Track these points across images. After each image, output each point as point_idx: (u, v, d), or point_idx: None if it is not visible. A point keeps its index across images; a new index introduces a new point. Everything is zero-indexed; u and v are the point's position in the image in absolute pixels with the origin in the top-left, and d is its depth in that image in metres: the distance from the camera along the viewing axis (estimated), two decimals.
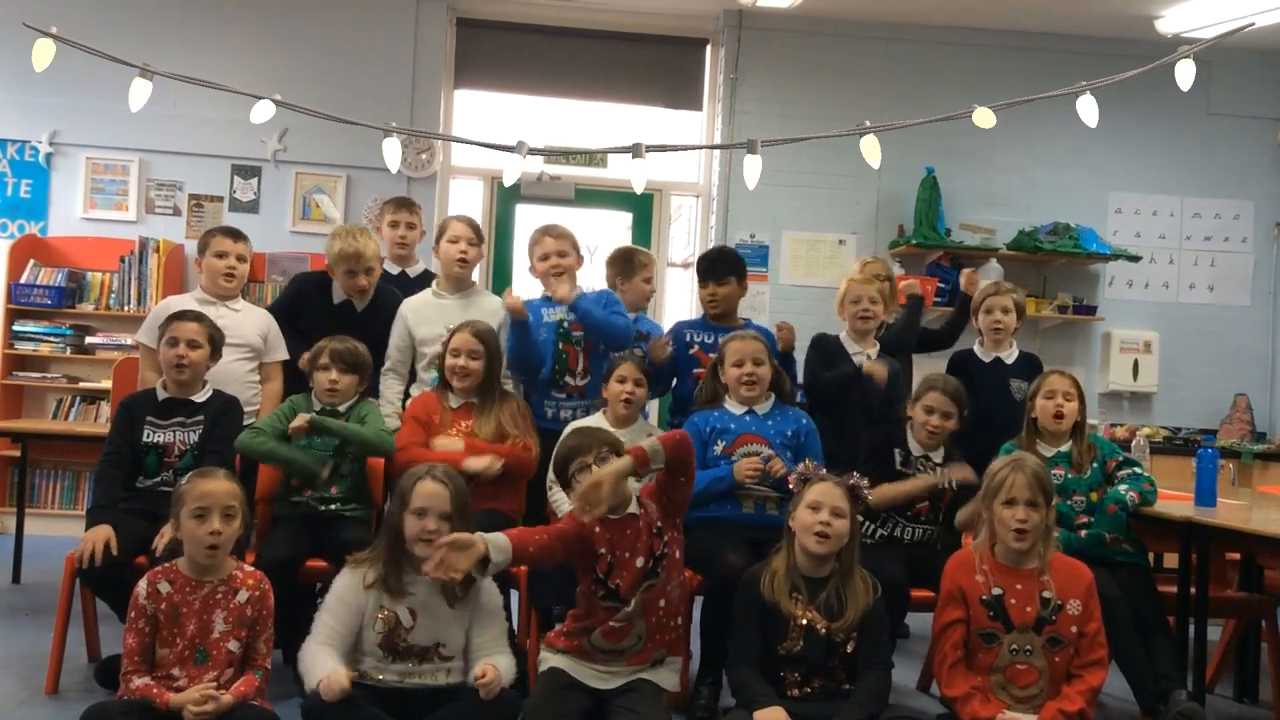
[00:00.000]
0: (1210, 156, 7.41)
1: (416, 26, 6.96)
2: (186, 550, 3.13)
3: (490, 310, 4.42)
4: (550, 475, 4.02)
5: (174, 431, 3.85)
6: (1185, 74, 3.88)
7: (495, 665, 3.08)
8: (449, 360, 4.00)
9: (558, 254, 4.42)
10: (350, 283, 4.46)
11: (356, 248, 4.37)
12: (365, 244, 4.41)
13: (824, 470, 3.48)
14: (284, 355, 4.43)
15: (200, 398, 3.92)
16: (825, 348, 4.60)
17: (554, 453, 3.52)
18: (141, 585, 3.11)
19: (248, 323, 4.37)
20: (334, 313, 4.51)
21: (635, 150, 3.99)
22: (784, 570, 3.31)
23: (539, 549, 3.18)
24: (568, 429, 3.81)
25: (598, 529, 3.26)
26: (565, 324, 4.37)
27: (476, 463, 3.82)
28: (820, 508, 3.29)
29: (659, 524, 3.33)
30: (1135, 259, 7.22)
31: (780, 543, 3.39)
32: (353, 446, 3.88)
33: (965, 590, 3.29)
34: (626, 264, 4.83)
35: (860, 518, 3.81)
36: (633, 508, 3.34)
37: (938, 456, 4.03)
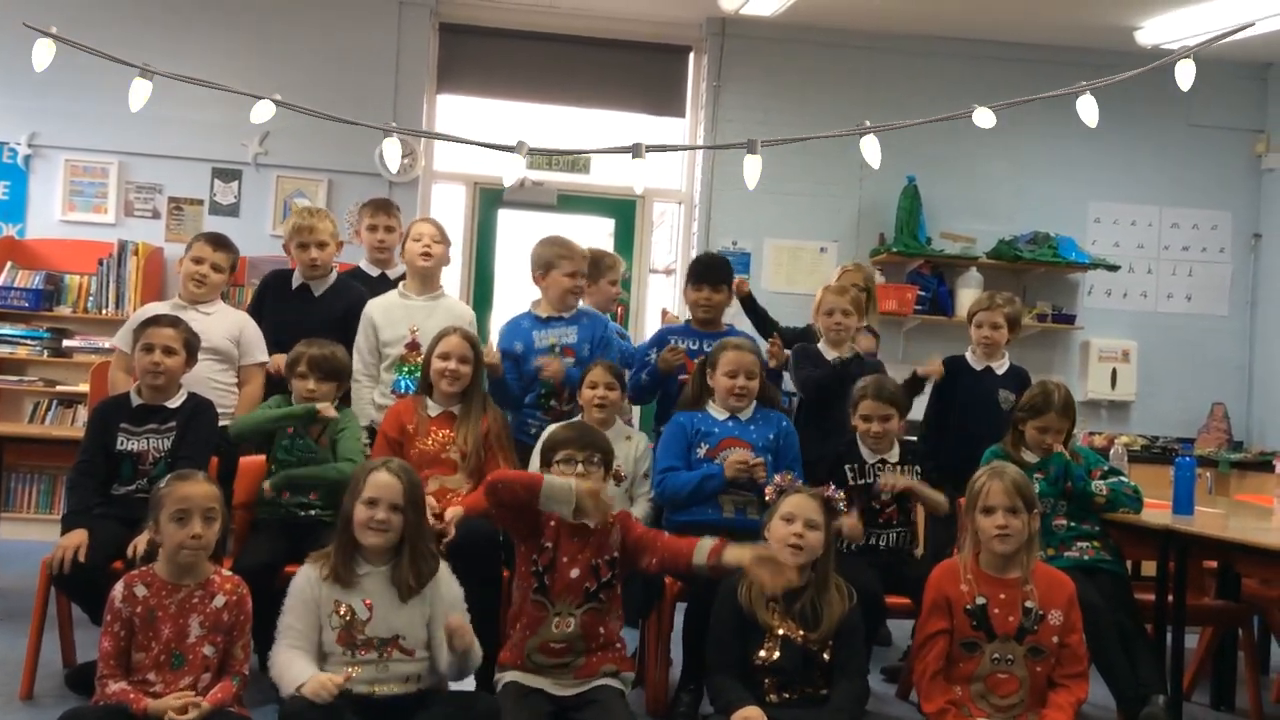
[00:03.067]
0: (1189, 167, 7.48)
1: (399, 31, 6.95)
2: (165, 553, 3.10)
3: (456, 314, 4.43)
4: None
5: (147, 439, 3.81)
6: (1185, 74, 3.88)
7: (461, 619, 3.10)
8: (438, 364, 3.95)
9: (579, 273, 4.42)
10: (302, 255, 4.54)
11: (310, 222, 4.54)
12: (319, 220, 4.58)
13: (800, 482, 3.49)
14: (261, 358, 4.41)
15: (174, 403, 3.88)
16: (807, 355, 4.62)
17: (548, 435, 3.52)
18: (117, 589, 3.08)
19: (217, 327, 4.33)
20: (291, 297, 4.59)
21: (635, 150, 3.97)
22: None
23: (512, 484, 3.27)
24: (572, 421, 3.79)
25: (553, 521, 3.29)
26: (558, 349, 4.34)
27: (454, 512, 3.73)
28: (794, 519, 3.30)
29: (614, 556, 3.34)
30: (1114, 268, 7.27)
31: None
32: (324, 488, 3.85)
33: (950, 599, 3.30)
34: (593, 267, 4.82)
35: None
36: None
37: (893, 456, 4.03)
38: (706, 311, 4.48)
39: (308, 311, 4.50)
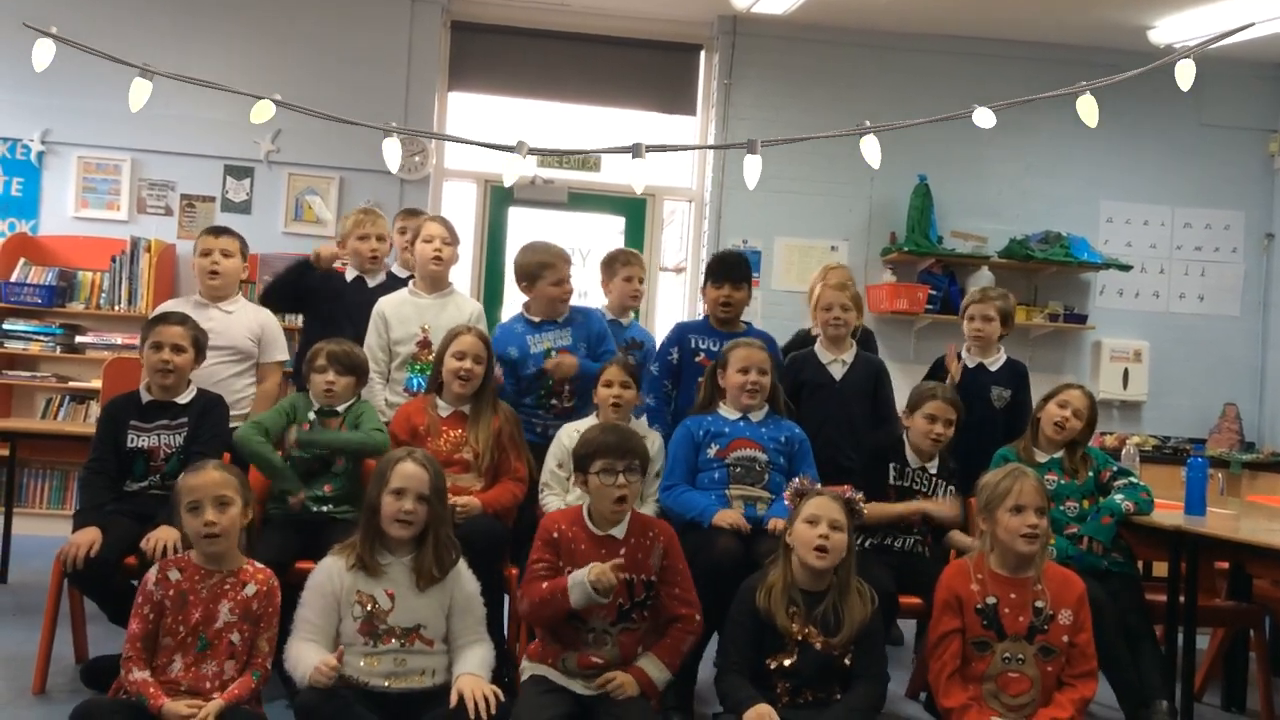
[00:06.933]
0: (1201, 167, 7.45)
1: (411, 29, 6.96)
2: (193, 545, 3.15)
3: (467, 313, 4.44)
4: (543, 479, 4.02)
5: (158, 435, 3.83)
6: (1185, 74, 3.86)
7: (466, 682, 3.05)
8: (452, 363, 3.94)
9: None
10: (362, 246, 4.74)
11: (373, 217, 4.83)
12: (379, 217, 4.88)
13: (819, 485, 3.46)
14: (281, 355, 4.45)
15: (184, 399, 3.90)
16: (796, 365, 4.56)
17: (584, 439, 3.45)
18: (151, 573, 3.12)
19: (237, 325, 4.35)
20: (347, 289, 4.73)
21: (635, 150, 3.96)
22: (781, 585, 3.27)
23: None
24: (603, 425, 3.70)
25: (570, 534, 3.29)
26: (553, 352, 4.33)
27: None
28: (818, 521, 3.25)
29: (653, 579, 3.33)
30: (1126, 268, 7.25)
31: (776, 555, 3.35)
32: (348, 454, 3.87)
33: (961, 598, 3.30)
34: (609, 265, 4.88)
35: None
36: (618, 531, 3.34)
37: (933, 467, 4.03)
38: (726, 310, 4.44)
39: (364, 299, 4.57)
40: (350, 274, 4.81)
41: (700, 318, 4.65)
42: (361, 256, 4.77)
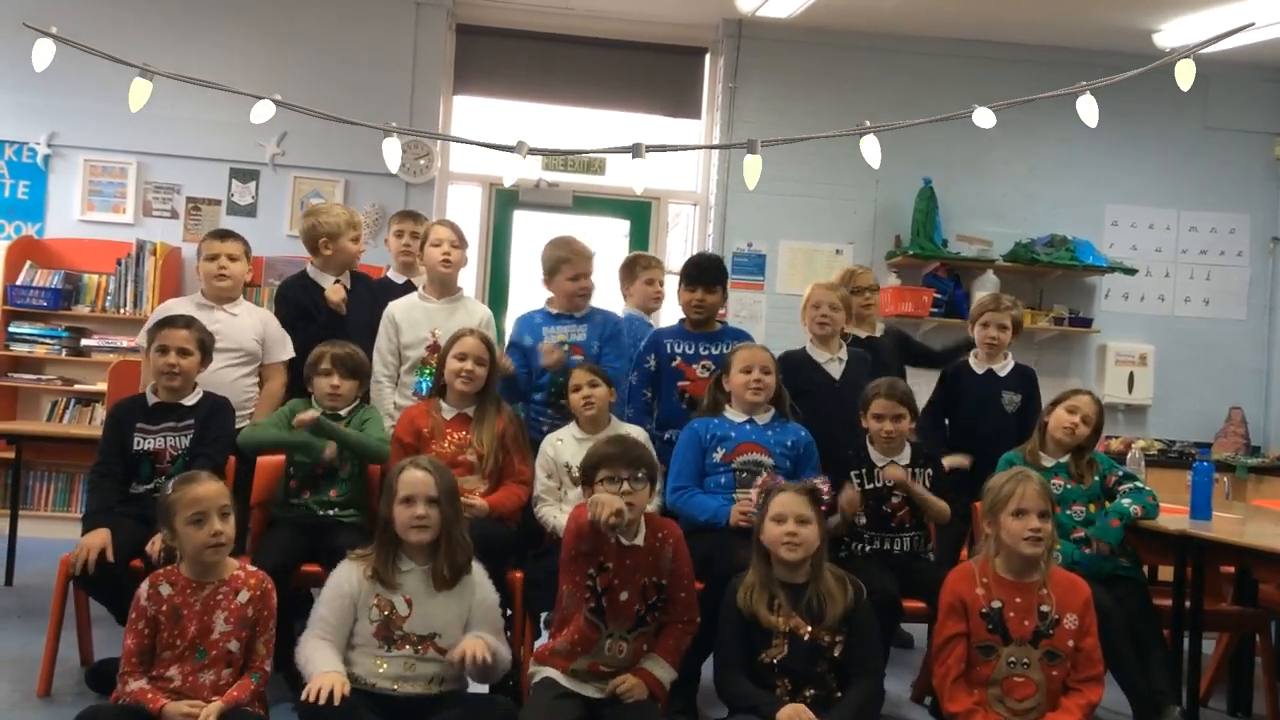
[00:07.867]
0: (1207, 170, 7.44)
1: (416, 32, 6.97)
2: (188, 556, 3.11)
3: (477, 317, 4.43)
4: (536, 492, 4.00)
5: (164, 437, 3.84)
6: (1185, 74, 3.86)
7: (470, 641, 3.09)
8: (454, 364, 3.95)
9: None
10: (355, 248, 4.65)
11: (360, 217, 4.74)
12: (353, 212, 4.77)
13: (780, 479, 3.49)
14: (286, 355, 4.41)
15: (190, 401, 3.90)
16: (790, 365, 4.53)
17: (590, 451, 3.46)
18: (143, 588, 3.11)
19: (242, 327, 4.34)
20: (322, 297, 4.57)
21: (635, 150, 3.98)
22: (760, 583, 3.30)
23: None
24: (611, 435, 3.72)
25: (613, 539, 3.28)
26: (566, 347, 4.33)
27: None
28: (785, 519, 3.28)
29: (663, 581, 3.34)
30: (1131, 272, 7.24)
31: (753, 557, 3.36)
32: (351, 451, 3.88)
33: (966, 602, 3.29)
34: (629, 267, 4.93)
35: (846, 538, 3.83)
36: (638, 539, 3.33)
37: (904, 459, 3.99)
38: (699, 312, 4.46)
39: (355, 313, 4.54)
40: (321, 279, 4.60)
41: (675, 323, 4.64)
42: (351, 258, 4.65)
